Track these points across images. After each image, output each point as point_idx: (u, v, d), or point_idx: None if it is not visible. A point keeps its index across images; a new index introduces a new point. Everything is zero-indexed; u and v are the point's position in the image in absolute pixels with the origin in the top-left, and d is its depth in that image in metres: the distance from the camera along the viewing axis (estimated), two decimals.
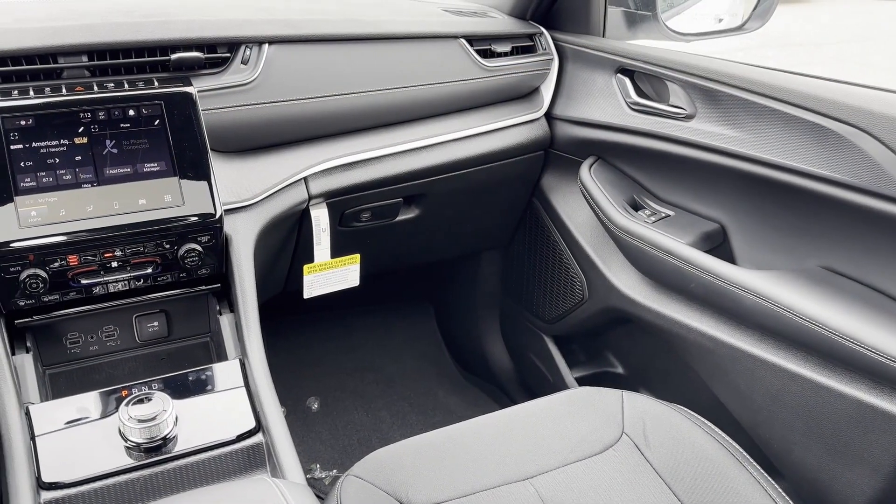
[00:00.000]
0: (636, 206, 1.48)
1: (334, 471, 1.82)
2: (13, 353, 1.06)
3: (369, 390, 2.10)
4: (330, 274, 1.44)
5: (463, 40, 1.49)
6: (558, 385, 1.79)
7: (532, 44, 1.61)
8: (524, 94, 1.62)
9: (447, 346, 2.27)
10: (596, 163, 1.54)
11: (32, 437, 0.97)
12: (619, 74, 1.48)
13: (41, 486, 0.92)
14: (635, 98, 1.44)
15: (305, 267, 1.41)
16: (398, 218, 1.54)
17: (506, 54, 1.55)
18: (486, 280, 2.01)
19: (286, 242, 1.41)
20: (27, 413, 1.00)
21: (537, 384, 1.91)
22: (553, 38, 1.62)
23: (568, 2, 1.61)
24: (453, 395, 2.13)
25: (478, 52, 1.51)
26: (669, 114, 1.37)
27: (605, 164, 1.54)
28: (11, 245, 1.02)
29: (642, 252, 1.39)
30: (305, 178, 1.32)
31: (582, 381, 1.75)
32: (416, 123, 1.46)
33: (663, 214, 1.45)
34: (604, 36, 1.59)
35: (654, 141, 1.40)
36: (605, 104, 1.50)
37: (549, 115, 1.62)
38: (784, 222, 1.28)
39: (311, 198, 1.33)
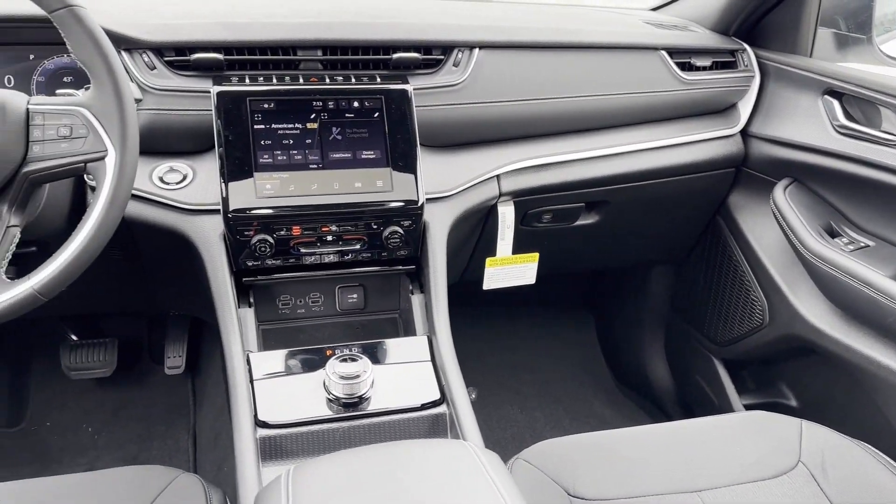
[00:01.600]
0: (832, 233, 1.42)
1: None
2: (238, 307, 1.21)
3: (525, 389, 2.15)
4: (510, 269, 1.51)
5: (664, 52, 1.51)
6: (724, 409, 1.74)
7: (733, 59, 1.59)
8: (720, 109, 1.61)
9: (605, 356, 2.27)
10: (792, 185, 1.50)
11: (251, 381, 1.10)
12: (826, 96, 1.43)
13: (257, 423, 1.05)
14: (843, 121, 1.39)
15: (488, 260, 1.48)
16: (577, 222, 1.58)
17: (706, 68, 1.55)
18: (654, 294, 1.99)
19: (471, 235, 1.49)
20: (247, 360, 1.14)
21: (700, 406, 1.87)
22: (756, 56, 1.59)
23: (776, 20, 1.57)
24: (608, 406, 2.13)
25: (677, 64, 1.52)
26: (882, 140, 1.31)
27: (801, 186, 1.49)
28: (249, 212, 1.17)
29: (836, 281, 1.33)
30: (498, 176, 1.39)
31: (750, 409, 1.70)
32: (608, 131, 1.49)
33: (862, 244, 1.38)
34: (811, 56, 1.54)
35: (860, 167, 1.35)
36: (808, 125, 1.45)
37: (744, 133, 1.59)
38: None
39: (501, 195, 1.40)
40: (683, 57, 1.53)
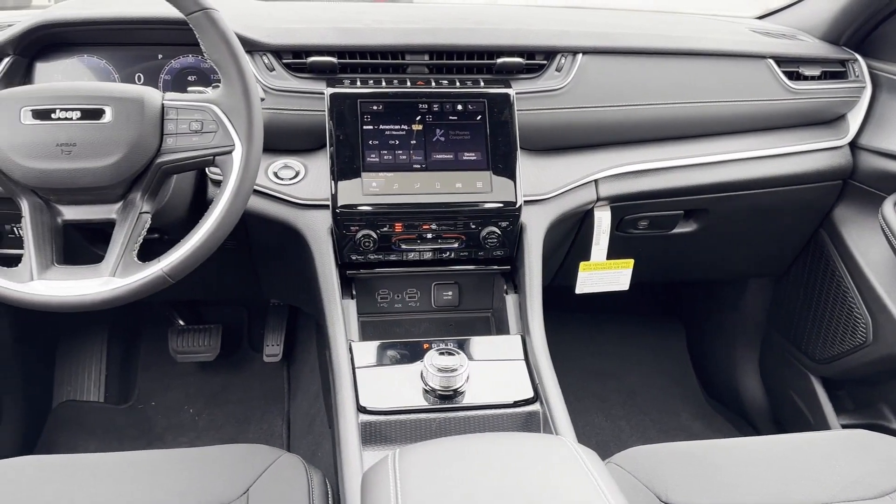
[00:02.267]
0: None
1: None
2: (342, 298, 1.27)
3: (611, 397, 2.14)
4: (603, 274, 1.51)
5: (771, 60, 1.48)
6: (819, 428, 1.69)
7: (843, 69, 1.55)
8: (828, 119, 1.56)
9: (695, 368, 2.23)
10: None
11: (353, 369, 1.16)
12: None
13: (359, 409, 1.10)
14: None
15: (581, 264, 1.49)
16: (675, 230, 1.57)
17: (814, 78, 1.51)
18: (750, 307, 1.95)
19: (565, 238, 1.51)
20: (350, 348, 1.19)
21: (793, 424, 1.82)
22: (868, 66, 1.54)
23: (890, 30, 1.52)
24: (697, 418, 2.09)
25: (785, 73, 1.49)
26: None
27: None
28: (356, 208, 1.23)
29: None
30: (596, 181, 1.40)
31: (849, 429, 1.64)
32: (710, 138, 1.48)
33: None
34: None
35: None
36: None
37: (853, 144, 1.55)
38: None
39: (598, 199, 1.41)
40: (791, 66, 1.50)
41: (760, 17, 1.82)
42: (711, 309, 2.12)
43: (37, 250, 0.99)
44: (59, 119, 0.97)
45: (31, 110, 0.97)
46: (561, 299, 1.63)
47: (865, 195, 1.54)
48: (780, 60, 1.49)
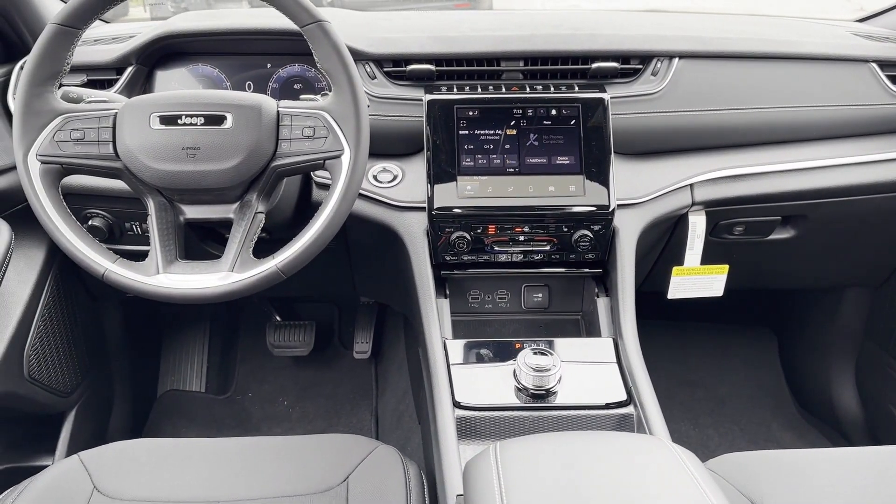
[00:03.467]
0: None
1: None
2: (436, 297, 1.31)
3: (698, 406, 2.11)
4: (696, 279, 1.50)
5: (874, 65, 1.44)
6: None
7: None
8: None
9: (787, 378, 2.17)
10: None
11: (448, 366, 1.19)
12: None
13: (455, 404, 1.13)
14: None
15: (675, 269, 1.48)
16: (771, 236, 1.54)
17: None
18: (847, 318, 1.89)
19: (657, 243, 1.50)
20: (444, 346, 1.23)
21: (891, 437, 1.75)
22: None
23: None
24: (788, 430, 2.04)
25: (889, 77, 1.44)
26: None
27: None
28: (451, 210, 1.27)
29: None
30: (691, 185, 1.40)
31: None
32: (808, 143, 1.45)
33: None
34: None
35: None
36: None
37: None
38: None
39: (693, 203, 1.41)
40: (895, 70, 1.46)
41: (862, 20, 1.76)
42: (806, 318, 2.06)
43: (162, 246, 1.07)
44: (184, 124, 1.04)
45: (160, 116, 1.05)
46: (650, 305, 1.62)
47: None
48: (884, 64, 1.45)
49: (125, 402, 1.92)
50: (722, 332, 2.27)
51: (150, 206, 1.10)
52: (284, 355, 2.14)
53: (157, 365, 2.14)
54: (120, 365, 1.89)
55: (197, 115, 1.05)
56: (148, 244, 1.09)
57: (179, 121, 1.05)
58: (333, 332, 2.27)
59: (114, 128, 1.06)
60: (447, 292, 1.35)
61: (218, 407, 2.11)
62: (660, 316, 2.14)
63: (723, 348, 2.25)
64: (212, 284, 1.04)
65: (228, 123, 1.05)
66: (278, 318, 2.17)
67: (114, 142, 1.06)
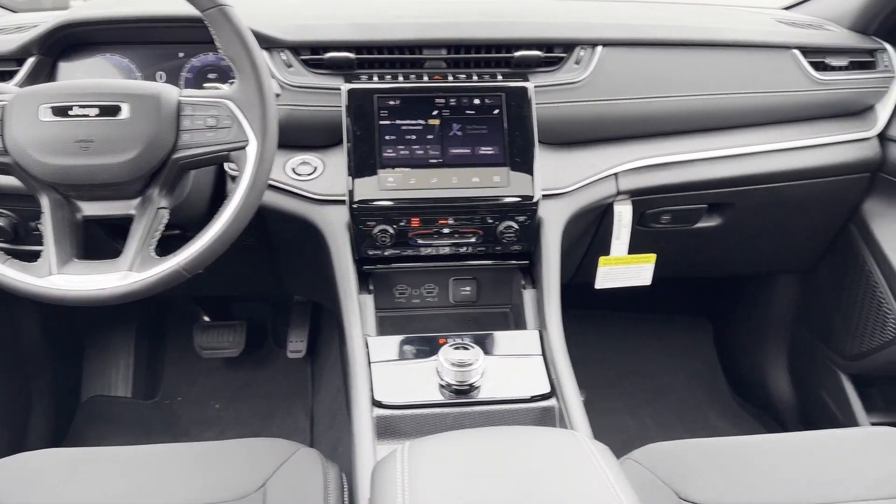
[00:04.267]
0: None
1: None
2: (359, 293, 1.27)
3: (637, 395, 2.12)
4: (624, 269, 1.49)
5: (797, 51, 1.45)
6: (849, 426, 1.65)
7: (872, 59, 1.51)
8: (856, 111, 1.52)
9: (723, 366, 2.19)
10: None
11: (369, 363, 1.16)
12: None
13: (374, 403, 1.10)
14: None
15: (601, 259, 1.47)
16: (698, 224, 1.54)
17: (841, 68, 1.48)
18: (778, 304, 1.91)
19: (585, 233, 1.49)
20: (366, 343, 1.19)
21: (822, 422, 1.78)
22: None
23: None
24: (724, 417, 2.06)
25: (811, 64, 1.45)
26: None
27: None
28: (373, 203, 1.23)
29: None
30: (616, 175, 1.39)
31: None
32: (734, 131, 1.45)
33: None
34: None
35: None
36: None
37: (882, 136, 1.51)
38: None
39: (618, 193, 1.40)
40: (818, 56, 1.47)
41: (787, 8, 1.78)
42: (739, 305, 2.09)
43: (56, 245, 1.01)
44: (76, 116, 0.98)
45: (50, 107, 0.99)
46: (586, 297, 1.61)
47: (895, 188, 1.50)
48: (806, 51, 1.46)
49: (45, 410, 1.83)
50: (660, 321, 2.28)
51: (44, 203, 1.03)
52: (214, 357, 2.08)
53: (80, 370, 2.06)
54: (37, 370, 1.80)
55: (90, 106, 0.99)
56: None
57: (71, 112, 0.98)
58: (267, 331, 2.21)
59: (2, 121, 1.00)
60: (371, 287, 1.32)
61: (145, 412, 2.03)
62: (600, 307, 2.14)
63: (661, 338, 2.26)
64: (109, 285, 0.98)
65: (124, 114, 0.99)
66: (206, 319, 2.10)
67: (2, 136, 1.00)
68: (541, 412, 1.11)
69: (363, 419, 1.06)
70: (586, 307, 2.17)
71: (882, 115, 1.51)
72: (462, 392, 1.11)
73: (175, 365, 2.14)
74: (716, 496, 1.05)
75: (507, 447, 0.80)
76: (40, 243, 1.39)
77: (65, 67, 1.35)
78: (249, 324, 2.10)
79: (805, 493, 1.05)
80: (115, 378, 2.04)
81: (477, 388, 1.12)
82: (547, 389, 1.13)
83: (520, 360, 1.19)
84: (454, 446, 0.79)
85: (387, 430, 1.09)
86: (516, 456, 0.78)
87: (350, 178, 1.23)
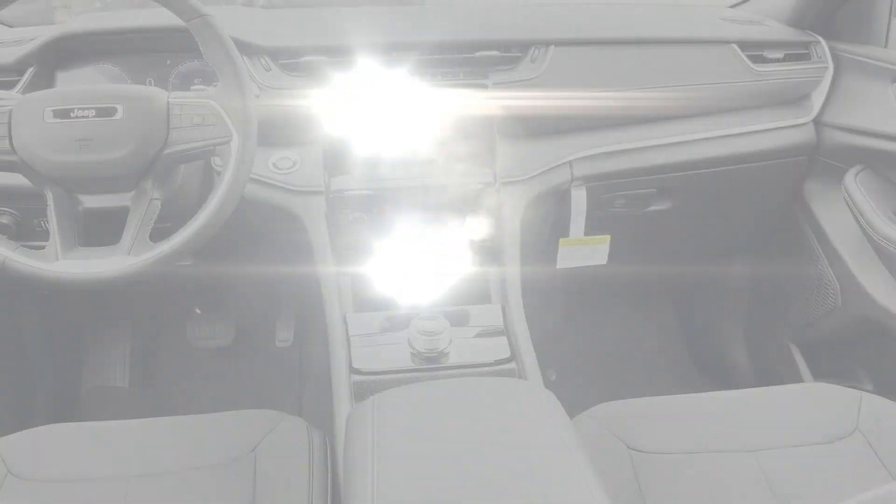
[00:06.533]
0: None
1: None
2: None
3: (607, 373, 2.23)
4: (581, 249, 1.62)
5: (735, 46, 1.58)
6: None
7: (806, 52, 1.64)
8: (793, 99, 1.65)
9: (687, 343, 2.32)
10: (863, 171, 1.53)
11: (347, 337, 1.27)
12: None
13: (352, 370, 1.22)
14: None
15: (561, 240, 1.60)
16: (650, 208, 1.67)
17: (778, 60, 1.61)
18: (735, 282, 2.04)
19: (546, 218, 1.61)
20: (344, 320, 1.31)
21: None
22: (830, 47, 1.64)
23: (849, 13, 1.61)
24: (685, 390, 2.17)
25: (749, 57, 1.58)
26: None
27: (872, 173, 1.53)
28: (346, 193, 1.36)
29: None
30: (570, 162, 1.51)
31: None
32: (679, 120, 1.57)
33: None
34: (885, 46, 1.57)
35: None
36: (878, 113, 1.49)
37: (817, 121, 1.64)
38: None
39: (573, 179, 1.52)
40: (755, 50, 1.60)
41: (734, 6, 1.91)
42: (700, 285, 2.21)
43: (61, 234, 1.12)
44: (77, 117, 1.10)
45: (53, 110, 1.10)
46: (553, 280, 1.73)
47: (831, 169, 1.63)
48: (745, 45, 1.59)
49: (47, 402, 1.93)
50: (625, 303, 2.40)
51: (49, 196, 1.14)
52: (206, 346, 2.18)
53: (80, 364, 2.16)
54: (39, 366, 1.90)
55: (88, 108, 1.10)
56: None
57: (72, 114, 1.10)
58: (256, 321, 2.32)
59: (9, 123, 1.11)
60: (348, 270, 1.43)
61: (143, 400, 2.14)
62: (566, 290, 2.26)
63: (625, 318, 2.37)
64: (110, 268, 1.10)
65: (119, 114, 1.10)
66: (198, 311, 2.21)
67: (10, 136, 1.11)
68: (503, 374, 1.23)
69: (342, 385, 1.18)
70: (553, 291, 2.29)
71: (816, 102, 1.64)
72: (432, 359, 1.23)
73: (170, 355, 2.25)
74: (663, 445, 1.16)
75: (466, 393, 0.92)
76: (42, 239, 1.51)
77: (62, 77, 1.46)
78: (239, 314, 2.21)
79: (743, 440, 1.17)
80: (113, 369, 2.15)
81: (446, 354, 1.23)
82: (507, 354, 1.25)
83: (485, 331, 1.31)
84: (417, 395, 0.91)
85: (364, 393, 1.20)
86: (474, 401, 0.90)
87: (325, 171, 1.35)
